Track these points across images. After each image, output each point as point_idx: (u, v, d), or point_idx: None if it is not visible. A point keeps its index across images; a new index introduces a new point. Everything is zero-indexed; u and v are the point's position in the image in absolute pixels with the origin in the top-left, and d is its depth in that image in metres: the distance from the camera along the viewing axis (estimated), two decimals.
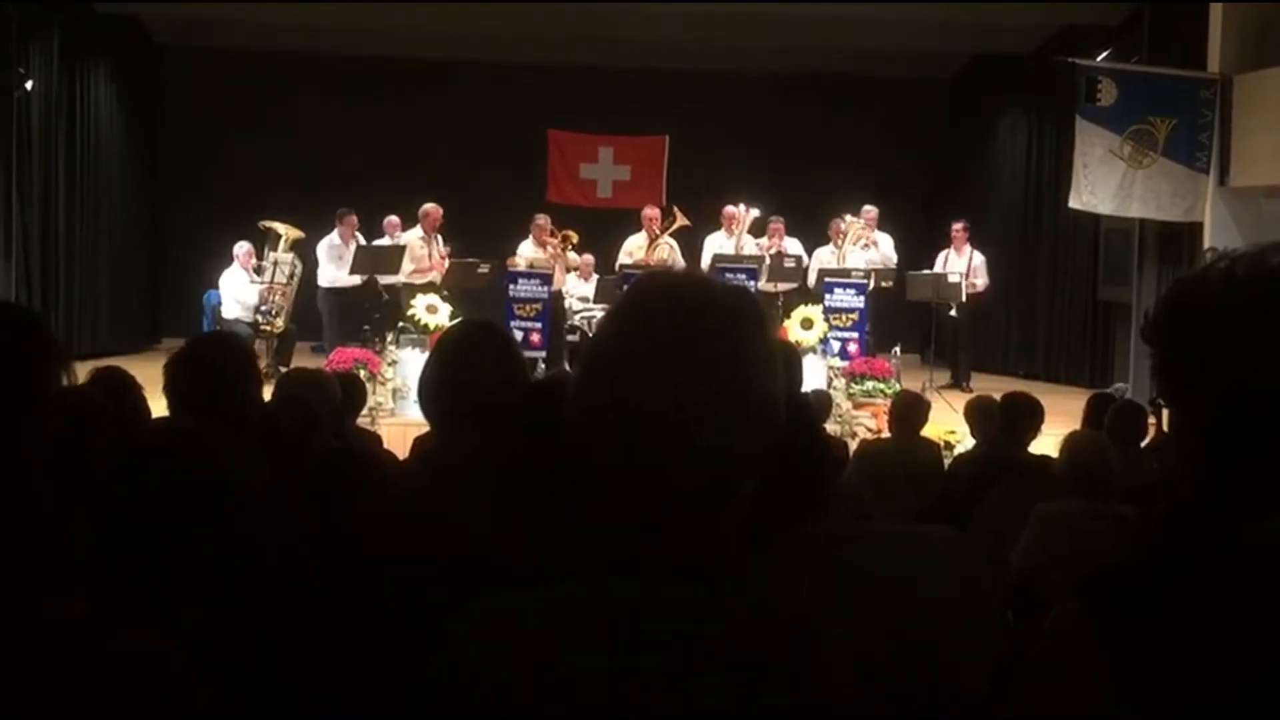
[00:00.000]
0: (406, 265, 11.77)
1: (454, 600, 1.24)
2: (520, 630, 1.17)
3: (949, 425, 9.08)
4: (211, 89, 15.69)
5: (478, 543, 1.97)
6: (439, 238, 12.04)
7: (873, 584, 1.33)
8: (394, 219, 12.40)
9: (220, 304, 12.11)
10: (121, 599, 1.79)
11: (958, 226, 12.85)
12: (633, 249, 12.31)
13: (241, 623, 1.98)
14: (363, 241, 12.04)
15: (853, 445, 7.40)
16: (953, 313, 12.43)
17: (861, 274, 11.73)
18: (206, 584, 1.93)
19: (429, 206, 11.95)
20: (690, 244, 12.60)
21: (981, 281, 12.85)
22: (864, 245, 12.41)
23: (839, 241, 12.43)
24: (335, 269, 11.82)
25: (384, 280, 11.78)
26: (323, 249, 11.95)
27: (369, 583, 2.04)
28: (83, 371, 4.15)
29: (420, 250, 11.86)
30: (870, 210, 12.62)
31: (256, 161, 15.43)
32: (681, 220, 12.54)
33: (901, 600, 1.33)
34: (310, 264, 12.13)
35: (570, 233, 12.31)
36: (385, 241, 12.29)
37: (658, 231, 12.33)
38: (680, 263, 12.20)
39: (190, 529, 1.96)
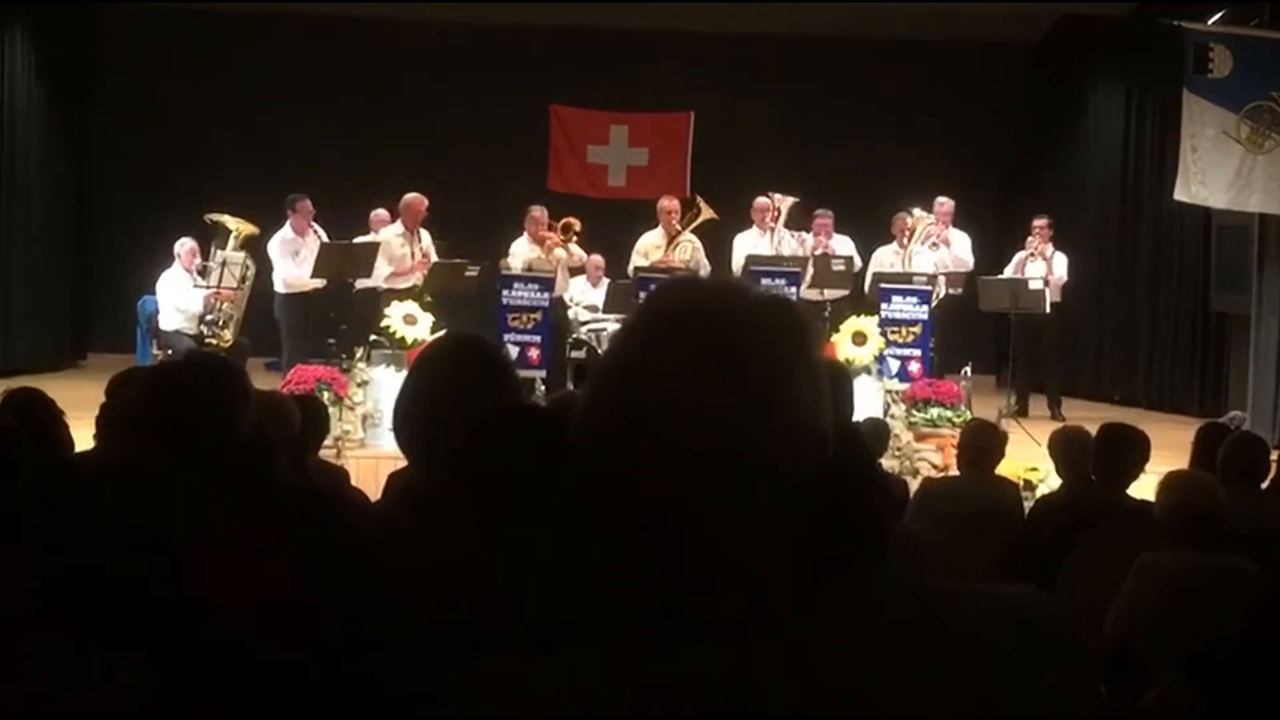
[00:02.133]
0: (383, 267, 11.79)
1: (444, 666, 1.25)
2: (526, 704, 1.18)
3: (1030, 461, 9.05)
4: (152, 56, 15.82)
5: (469, 597, 1.99)
6: (422, 234, 12.07)
7: (938, 648, 1.33)
8: (382, 213, 12.45)
9: (158, 312, 12.16)
10: (47, 660, 1.81)
11: (1040, 223, 12.84)
12: (648, 248, 12.31)
13: (195, 686, 2.00)
14: (322, 233, 12.07)
15: (914, 485, 7.38)
16: (1047, 310, 12.18)
17: (925, 279, 11.70)
18: (153, 642, 1.95)
19: (411, 197, 11.98)
20: (718, 242, 12.60)
21: (1056, 278, 12.68)
22: (932, 244, 12.39)
23: (904, 240, 12.39)
24: (291, 267, 11.85)
25: (359, 284, 11.81)
26: (274, 246, 11.96)
27: (344, 647, 2.06)
28: None
29: (400, 249, 11.88)
30: (945, 203, 12.62)
31: (205, 142, 15.55)
32: (707, 213, 12.55)
33: (972, 667, 1.33)
34: (264, 264, 12.18)
35: (571, 220, 12.31)
36: (370, 238, 12.33)
37: (678, 227, 12.34)
38: (705, 265, 12.20)
39: (134, 582, 1.99)
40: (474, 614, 1.93)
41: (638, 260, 12.23)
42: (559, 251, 12.12)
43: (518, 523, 2.13)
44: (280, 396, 5.38)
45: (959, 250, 12.60)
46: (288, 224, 12.02)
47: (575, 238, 12.37)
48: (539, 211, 12.25)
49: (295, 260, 11.86)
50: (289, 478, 3.73)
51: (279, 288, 11.96)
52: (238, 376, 3.08)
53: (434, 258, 11.96)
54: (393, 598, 2.12)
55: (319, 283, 11.71)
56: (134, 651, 1.94)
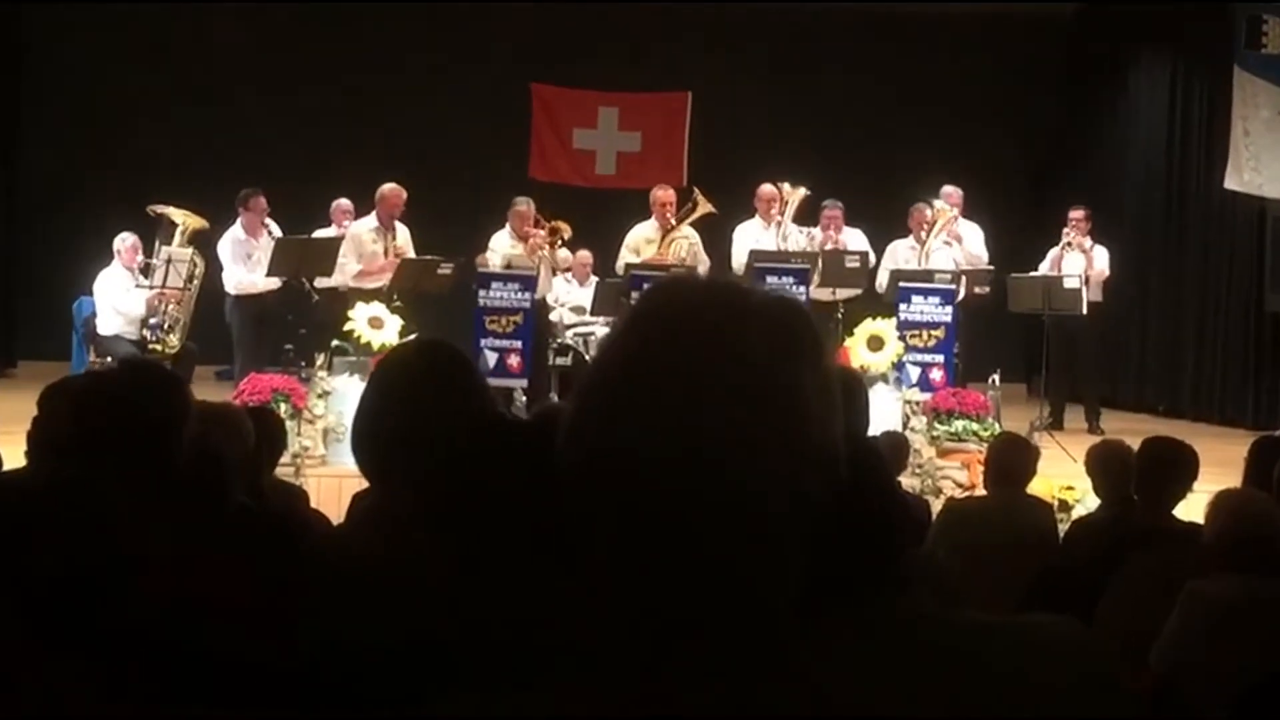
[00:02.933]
0: (351, 264, 11.78)
1: (419, 704, 1.25)
2: None
3: (1065, 479, 9.07)
4: (89, 37, 15.75)
5: (443, 629, 1.99)
6: (399, 229, 12.04)
7: (961, 686, 1.34)
8: (345, 203, 12.43)
9: (95, 315, 12.14)
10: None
11: (1077, 214, 12.83)
12: (639, 243, 12.29)
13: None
14: (277, 231, 12.05)
15: (936, 506, 7.39)
16: (1084, 311, 12.05)
17: (948, 277, 11.69)
18: (88, 675, 1.97)
19: (387, 188, 11.96)
20: (717, 235, 12.58)
21: (1097, 272, 12.59)
22: (945, 240, 12.36)
23: (922, 234, 12.39)
24: (243, 270, 11.85)
25: (320, 284, 11.79)
26: (225, 246, 11.94)
27: (307, 684, 2.06)
28: None
29: (372, 245, 11.87)
30: (954, 192, 12.58)
31: (148, 129, 15.49)
32: (705, 207, 12.53)
33: (999, 708, 1.33)
34: (213, 262, 12.17)
35: (560, 224, 12.26)
36: (331, 233, 12.30)
37: (673, 221, 12.33)
38: (704, 261, 12.20)
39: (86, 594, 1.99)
40: (451, 647, 1.93)
41: (628, 256, 12.20)
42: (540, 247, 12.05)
43: (499, 548, 2.13)
44: (232, 409, 5.37)
45: (971, 245, 12.51)
46: (238, 222, 11.99)
47: (563, 244, 12.31)
48: (525, 205, 12.16)
49: (248, 264, 11.85)
50: (242, 499, 3.73)
51: (230, 289, 11.95)
52: (175, 385, 3.07)
53: (412, 255, 11.92)
54: (359, 631, 2.12)
55: (273, 284, 11.70)
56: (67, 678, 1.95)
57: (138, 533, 2.38)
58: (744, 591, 1.18)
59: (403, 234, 12.09)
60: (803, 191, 12.37)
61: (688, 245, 12.30)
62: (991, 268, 12.48)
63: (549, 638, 1.30)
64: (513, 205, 12.16)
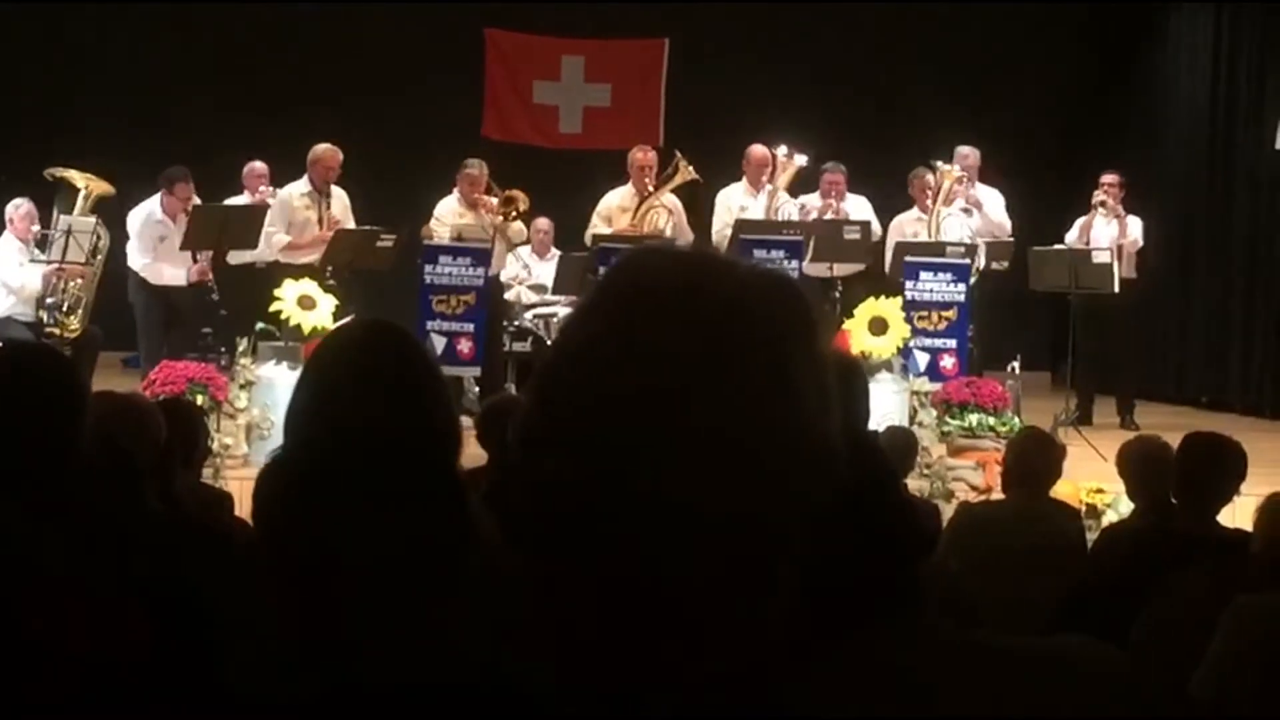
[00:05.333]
0: (279, 234, 11.74)
1: None
2: None
3: (1094, 480, 9.10)
4: None
5: (390, 661, 1.98)
6: (336, 195, 11.98)
7: (980, 716, 1.34)
8: (259, 166, 12.35)
9: None
10: None
11: (1110, 180, 12.85)
12: (612, 212, 12.29)
13: None
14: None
15: (948, 511, 7.41)
16: (1116, 289, 12.02)
17: (962, 250, 11.70)
18: None
19: (322, 149, 11.89)
20: (698, 205, 12.55)
21: (1130, 242, 12.56)
22: (964, 209, 12.36)
23: (928, 201, 12.39)
24: (150, 254, 11.77)
25: (236, 259, 11.74)
26: (135, 221, 11.86)
27: None
28: None
29: (305, 213, 11.82)
30: (968, 153, 12.56)
31: (50, 79, 15.40)
32: (687, 172, 12.50)
33: None
34: (122, 235, 12.10)
35: (516, 194, 12.20)
36: (244, 200, 12.25)
37: (651, 187, 12.31)
38: (685, 235, 12.19)
39: None
40: (390, 682, 1.93)
41: (599, 226, 12.17)
42: (489, 217, 11.99)
43: (438, 567, 2.13)
44: (140, 401, 5.35)
45: (993, 213, 12.47)
46: (158, 199, 11.93)
47: (518, 216, 12.24)
48: (476, 168, 12.11)
49: (158, 247, 11.76)
50: (154, 506, 3.71)
51: (134, 264, 11.89)
52: (67, 371, 3.04)
53: (351, 225, 11.87)
54: (285, 657, 2.11)
55: (179, 279, 11.59)
56: None
57: (18, 549, 2.36)
58: (725, 611, 1.18)
59: (339, 200, 12.04)
60: (801, 161, 12.29)
61: (667, 216, 12.27)
62: (1012, 239, 12.47)
63: (505, 667, 1.29)
64: (462, 168, 12.11)
